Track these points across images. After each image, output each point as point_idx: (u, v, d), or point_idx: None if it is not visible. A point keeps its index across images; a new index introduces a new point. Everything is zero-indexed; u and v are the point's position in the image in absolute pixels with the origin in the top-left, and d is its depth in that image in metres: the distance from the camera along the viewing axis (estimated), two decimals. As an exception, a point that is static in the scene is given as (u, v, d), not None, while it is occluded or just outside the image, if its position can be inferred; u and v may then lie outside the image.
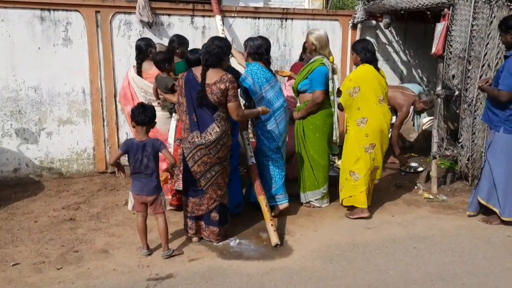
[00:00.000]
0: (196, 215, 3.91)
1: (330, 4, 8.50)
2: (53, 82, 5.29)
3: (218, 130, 3.69)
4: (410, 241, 4.04)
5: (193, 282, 3.35)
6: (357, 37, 6.35)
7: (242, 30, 5.97)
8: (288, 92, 5.19)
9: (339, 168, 4.93)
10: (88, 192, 5.14)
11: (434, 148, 5.34)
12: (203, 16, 5.77)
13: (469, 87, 5.04)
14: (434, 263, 3.68)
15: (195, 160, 3.78)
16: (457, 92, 5.12)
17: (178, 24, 5.68)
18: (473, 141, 5.14)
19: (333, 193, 4.84)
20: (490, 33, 4.87)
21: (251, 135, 4.67)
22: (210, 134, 3.69)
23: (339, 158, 5.15)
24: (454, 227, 4.35)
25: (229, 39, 4.92)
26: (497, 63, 4.87)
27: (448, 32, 4.96)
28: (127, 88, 4.61)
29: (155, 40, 5.28)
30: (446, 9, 4.98)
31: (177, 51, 4.80)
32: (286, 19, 6.20)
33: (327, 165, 4.72)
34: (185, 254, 3.77)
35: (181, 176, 4.04)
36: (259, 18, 6.06)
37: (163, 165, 4.29)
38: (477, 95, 5.01)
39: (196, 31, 5.76)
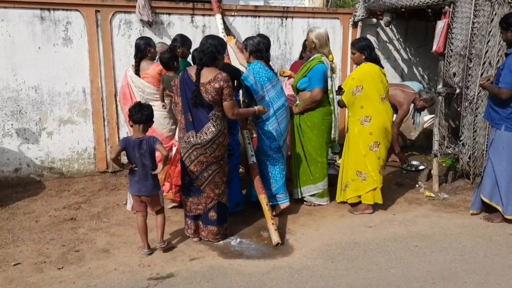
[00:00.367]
0: (194, 215, 3.91)
1: (331, 2, 8.48)
2: (53, 82, 5.29)
3: (213, 129, 3.68)
4: (411, 240, 4.04)
5: (194, 281, 3.35)
6: (358, 35, 6.35)
7: (242, 29, 5.95)
8: (288, 91, 5.19)
9: (339, 167, 4.92)
10: (89, 191, 5.14)
11: (435, 146, 5.33)
12: (203, 15, 5.76)
13: (470, 85, 5.03)
14: (435, 261, 3.67)
15: (191, 159, 3.77)
16: (458, 90, 5.11)
17: (178, 23, 5.67)
18: (474, 139, 5.12)
19: (331, 192, 4.84)
20: (491, 31, 4.85)
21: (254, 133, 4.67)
22: (206, 133, 3.68)
23: (340, 156, 5.14)
24: (455, 225, 4.34)
25: (238, 38, 4.89)
26: (498, 60, 4.86)
27: (449, 30, 4.95)
28: (126, 87, 4.62)
29: (155, 39, 5.28)
30: (447, 7, 4.96)
31: (178, 50, 4.81)
32: (287, 17, 6.19)
33: (325, 162, 4.70)
34: (186, 253, 3.77)
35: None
36: (259, 16, 6.05)
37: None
38: (478, 93, 5.00)
39: (197, 30, 5.75)
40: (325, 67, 4.47)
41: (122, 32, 5.46)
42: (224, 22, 5.60)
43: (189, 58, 4.91)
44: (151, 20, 5.43)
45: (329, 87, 4.53)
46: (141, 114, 3.59)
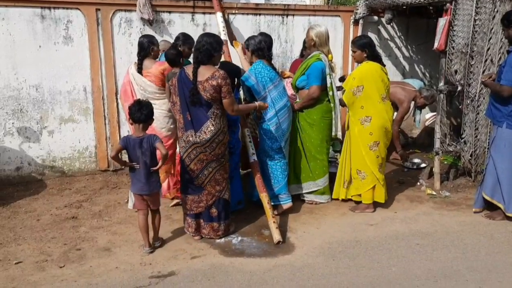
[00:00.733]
0: (195, 213, 3.91)
1: (332, 0, 8.46)
2: (54, 81, 5.28)
3: (212, 128, 3.68)
4: (412, 238, 4.03)
5: (195, 279, 3.35)
6: (359, 33, 6.33)
7: (243, 27, 5.95)
8: (288, 90, 5.17)
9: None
10: (90, 190, 5.14)
11: (437, 144, 5.32)
12: (204, 13, 5.75)
13: (472, 82, 5.01)
14: (437, 259, 3.67)
15: (191, 158, 3.77)
16: (459, 88, 5.09)
17: (178, 22, 5.66)
18: (476, 136, 5.11)
19: (331, 190, 4.84)
20: (492, 28, 4.84)
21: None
22: (205, 133, 3.68)
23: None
24: (457, 223, 4.33)
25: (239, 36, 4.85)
26: (500, 58, 4.85)
27: (451, 27, 4.93)
28: (127, 84, 4.61)
29: (156, 37, 5.25)
30: (448, 4, 4.94)
31: (180, 49, 4.79)
32: (287, 15, 6.17)
33: (325, 160, 4.68)
34: (187, 251, 3.77)
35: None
36: (260, 14, 6.04)
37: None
38: (480, 91, 4.99)
39: (197, 28, 5.74)
40: (323, 65, 4.45)
41: (123, 30, 5.45)
42: (226, 20, 5.58)
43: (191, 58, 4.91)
44: (151, 19, 5.42)
45: (328, 84, 4.52)
46: (140, 113, 3.59)
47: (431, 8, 5.88)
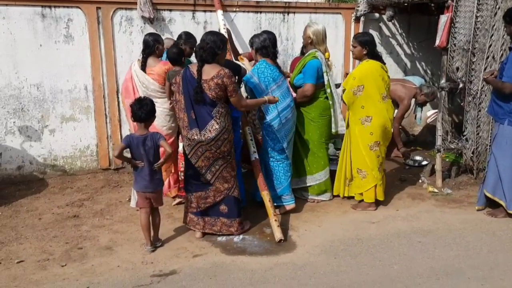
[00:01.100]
0: (202, 209, 3.90)
1: (333, -3, 8.43)
2: (55, 79, 5.28)
3: (217, 127, 3.68)
4: (414, 235, 4.02)
5: (197, 278, 3.35)
6: (360, 31, 6.30)
7: (244, 25, 5.93)
8: None
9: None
10: (91, 189, 5.15)
11: (439, 142, 5.30)
12: (205, 11, 5.73)
13: (474, 80, 5.00)
14: (439, 257, 3.66)
15: (198, 155, 3.78)
16: (461, 85, 5.08)
17: (179, 20, 5.65)
18: (478, 134, 5.10)
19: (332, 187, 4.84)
20: (494, 25, 4.82)
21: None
22: (210, 131, 3.68)
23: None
24: (459, 220, 4.32)
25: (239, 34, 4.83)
26: (502, 54, 4.83)
27: (452, 24, 4.91)
28: (129, 81, 4.60)
29: (158, 36, 5.26)
30: (450, 1, 4.92)
31: (182, 47, 4.78)
32: (288, 13, 6.16)
33: (324, 157, 4.67)
34: (189, 250, 3.77)
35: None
36: (261, 12, 6.02)
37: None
38: (482, 88, 4.97)
39: (198, 26, 5.73)
40: (319, 62, 4.43)
41: (124, 29, 5.45)
42: (231, 42, 5.50)
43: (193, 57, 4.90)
44: (152, 17, 5.41)
45: (326, 82, 4.50)
46: (141, 112, 3.59)
47: (432, 5, 5.85)
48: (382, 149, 4.49)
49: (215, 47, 3.66)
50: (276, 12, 6.09)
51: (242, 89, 4.54)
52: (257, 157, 4.30)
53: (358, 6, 6.34)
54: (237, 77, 4.23)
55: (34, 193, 5.00)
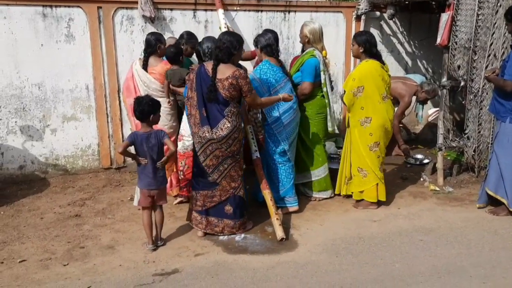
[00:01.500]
0: (207, 208, 3.90)
1: (334, -4, 8.42)
2: (56, 79, 5.29)
3: (229, 125, 3.70)
4: (416, 234, 4.02)
5: (199, 277, 3.36)
6: (361, 29, 6.30)
7: (245, 24, 5.93)
8: None
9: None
10: (93, 188, 5.15)
11: (440, 140, 5.30)
12: (206, 10, 5.73)
13: (475, 78, 4.99)
14: (441, 255, 3.66)
15: (206, 154, 3.79)
16: (462, 83, 5.07)
17: (180, 19, 5.65)
18: (479, 132, 5.09)
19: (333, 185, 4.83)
20: (495, 23, 4.81)
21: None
22: (221, 129, 3.70)
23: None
24: (460, 219, 4.32)
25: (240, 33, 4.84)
26: (503, 52, 4.82)
27: (453, 22, 4.91)
28: (130, 80, 4.61)
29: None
30: (451, -1, 4.92)
31: (182, 47, 4.79)
32: (289, 11, 6.15)
33: (322, 154, 4.67)
34: (191, 249, 3.78)
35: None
36: (261, 11, 6.02)
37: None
38: (483, 86, 4.97)
39: (199, 25, 5.73)
40: (317, 61, 4.44)
41: (125, 28, 5.45)
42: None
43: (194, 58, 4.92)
44: (153, 16, 5.41)
45: (322, 81, 4.50)
46: (141, 111, 3.61)
47: (433, 3, 5.86)
48: (382, 149, 4.49)
49: (231, 47, 3.68)
50: (277, 11, 6.09)
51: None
52: (259, 155, 4.30)
53: (359, 5, 6.33)
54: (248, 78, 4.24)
55: (36, 193, 5.01)
